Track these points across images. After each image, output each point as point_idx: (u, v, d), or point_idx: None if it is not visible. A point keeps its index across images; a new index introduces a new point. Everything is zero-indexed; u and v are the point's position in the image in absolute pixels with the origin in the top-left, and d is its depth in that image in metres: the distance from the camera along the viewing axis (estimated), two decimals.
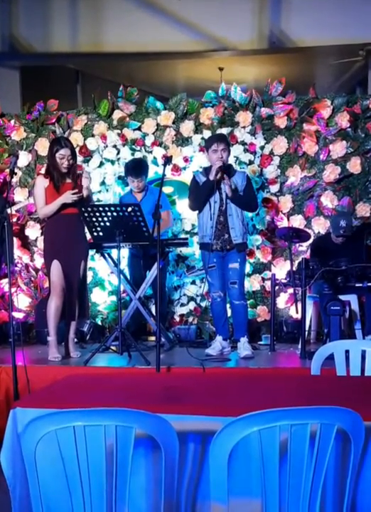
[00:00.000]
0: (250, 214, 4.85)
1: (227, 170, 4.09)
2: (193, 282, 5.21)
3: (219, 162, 4.03)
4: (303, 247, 4.99)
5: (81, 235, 4.16)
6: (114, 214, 3.95)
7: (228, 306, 4.37)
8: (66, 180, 4.06)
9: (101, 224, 4.00)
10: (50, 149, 4.08)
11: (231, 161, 5.05)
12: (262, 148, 5.08)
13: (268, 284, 4.91)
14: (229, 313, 4.43)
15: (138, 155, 5.23)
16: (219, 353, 4.16)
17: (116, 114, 5.30)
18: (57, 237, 4.06)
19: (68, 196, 3.96)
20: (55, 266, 4.02)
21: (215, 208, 4.09)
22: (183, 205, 5.24)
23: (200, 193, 4.14)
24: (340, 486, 1.61)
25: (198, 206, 4.19)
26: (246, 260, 4.36)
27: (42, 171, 4.34)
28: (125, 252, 4.84)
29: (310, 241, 4.82)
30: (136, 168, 4.77)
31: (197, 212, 4.28)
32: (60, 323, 4.13)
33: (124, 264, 4.77)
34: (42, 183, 4.08)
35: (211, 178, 4.05)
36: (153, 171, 5.23)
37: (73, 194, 3.95)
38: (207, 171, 4.20)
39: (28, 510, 1.72)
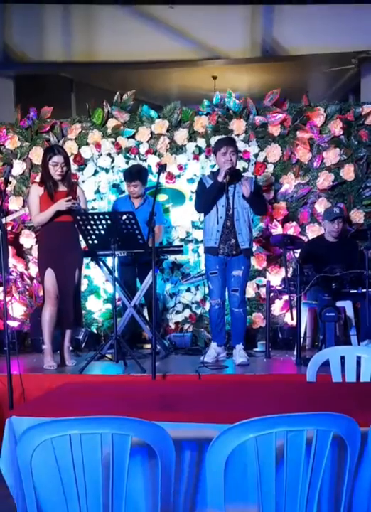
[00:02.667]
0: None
1: (235, 173, 4.08)
2: (188, 289, 5.21)
3: (229, 164, 4.02)
4: (298, 254, 5.00)
5: (75, 242, 4.16)
6: (109, 222, 3.95)
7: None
8: (60, 188, 4.06)
9: (96, 232, 4.00)
10: (44, 157, 4.08)
11: None
12: (256, 155, 5.11)
13: (263, 291, 4.92)
14: (227, 320, 4.42)
15: (132, 163, 5.25)
16: (214, 360, 4.15)
17: (111, 123, 5.32)
18: (52, 245, 4.05)
19: (62, 203, 3.96)
20: (50, 274, 4.01)
21: (222, 211, 4.07)
22: (177, 212, 5.26)
23: (207, 195, 4.11)
24: (336, 492, 1.61)
25: (206, 208, 4.15)
26: (250, 268, 4.32)
27: (38, 179, 4.34)
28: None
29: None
30: (131, 172, 4.80)
31: (203, 214, 4.28)
32: (54, 331, 4.12)
33: None
34: (36, 191, 4.07)
35: (219, 179, 4.02)
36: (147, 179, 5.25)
37: (67, 201, 3.96)
38: (214, 174, 4.18)
39: None
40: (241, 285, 4.13)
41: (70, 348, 4.32)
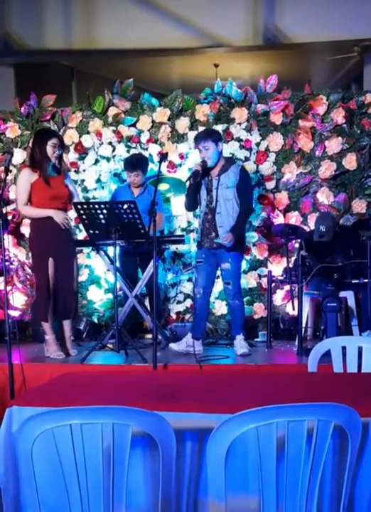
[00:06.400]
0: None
1: (208, 170, 4.00)
2: (189, 279, 5.20)
3: (198, 167, 3.97)
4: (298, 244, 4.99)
5: (68, 233, 4.11)
6: (110, 211, 3.93)
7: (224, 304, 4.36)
8: (53, 173, 3.94)
9: (97, 221, 3.98)
10: (40, 139, 3.93)
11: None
12: (258, 144, 5.07)
13: (264, 281, 4.91)
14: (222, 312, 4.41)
15: (133, 152, 5.22)
16: (184, 351, 4.09)
17: (112, 111, 5.28)
18: (47, 237, 3.95)
19: (61, 218, 3.89)
20: (47, 265, 3.96)
21: (204, 205, 4.05)
22: (178, 202, 5.23)
23: (187, 194, 4.14)
24: (338, 483, 1.61)
25: (188, 207, 4.24)
26: (241, 258, 4.26)
27: (27, 162, 4.22)
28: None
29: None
30: (132, 162, 4.76)
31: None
32: (54, 321, 4.11)
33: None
34: (28, 177, 3.91)
35: (191, 180, 4.00)
36: (148, 168, 5.22)
37: (64, 218, 3.92)
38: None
39: (20, 508, 1.72)
40: (232, 277, 4.06)
41: (72, 337, 4.32)
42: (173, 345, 4.14)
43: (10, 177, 5.27)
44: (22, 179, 3.96)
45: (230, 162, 4.17)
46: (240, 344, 4.11)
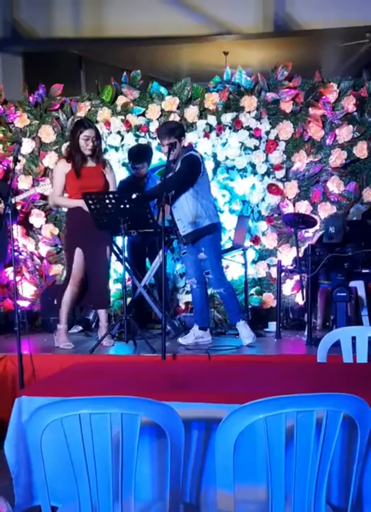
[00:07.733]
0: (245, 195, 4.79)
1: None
2: None
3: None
4: (309, 233, 4.96)
5: None
6: (119, 201, 3.92)
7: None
8: (88, 164, 3.99)
9: (106, 212, 3.97)
10: (74, 131, 4.01)
11: (236, 146, 5.03)
12: (268, 133, 5.03)
13: (274, 271, 4.89)
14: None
15: (142, 141, 5.20)
16: (193, 343, 4.05)
17: (120, 100, 5.26)
18: (77, 226, 4.00)
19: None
20: (78, 254, 3.98)
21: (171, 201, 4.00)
22: None
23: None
24: (347, 473, 1.60)
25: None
26: (215, 245, 4.06)
27: (64, 153, 4.25)
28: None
29: (317, 227, 4.78)
30: (138, 154, 4.74)
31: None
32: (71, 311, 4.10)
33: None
34: (63, 169, 3.99)
35: None
36: (157, 158, 5.20)
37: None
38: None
39: (32, 498, 1.73)
40: (211, 266, 3.99)
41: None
42: (181, 340, 4.09)
43: (19, 167, 5.27)
44: (56, 172, 4.05)
45: (185, 151, 4.02)
46: (244, 332, 4.00)
